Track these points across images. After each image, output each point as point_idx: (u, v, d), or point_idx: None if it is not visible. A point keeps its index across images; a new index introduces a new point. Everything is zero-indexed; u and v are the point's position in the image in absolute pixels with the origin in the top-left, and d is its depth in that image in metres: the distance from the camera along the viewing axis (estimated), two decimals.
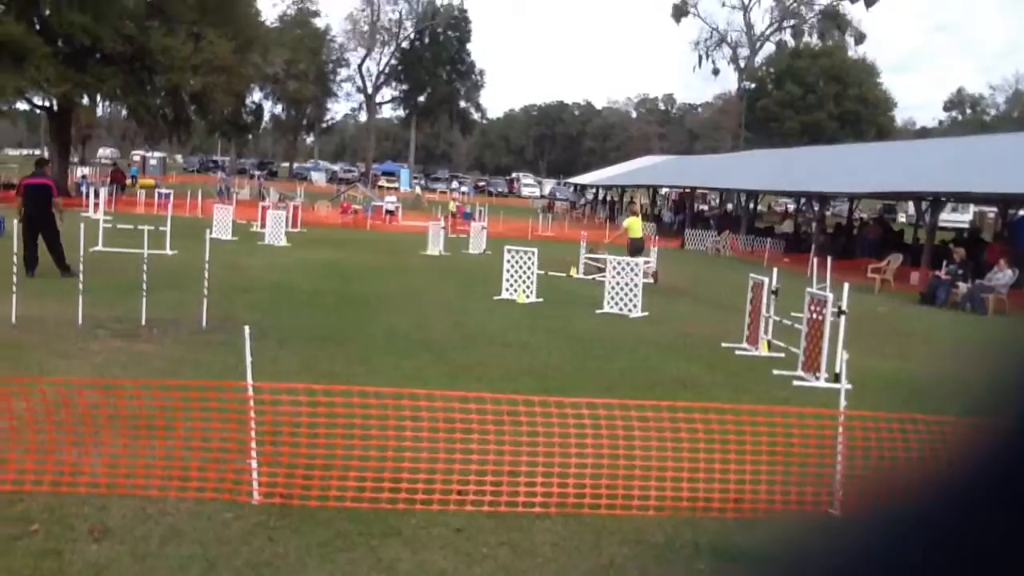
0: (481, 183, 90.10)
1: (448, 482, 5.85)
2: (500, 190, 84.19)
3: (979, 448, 0.63)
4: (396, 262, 22.21)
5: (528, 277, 16.23)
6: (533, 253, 16.40)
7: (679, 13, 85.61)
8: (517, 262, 16.33)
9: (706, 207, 54.80)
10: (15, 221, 13.29)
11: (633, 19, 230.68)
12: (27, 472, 5.61)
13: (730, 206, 47.35)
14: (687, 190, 47.57)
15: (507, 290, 16.27)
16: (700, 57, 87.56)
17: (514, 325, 13.47)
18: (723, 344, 12.66)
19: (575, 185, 72.98)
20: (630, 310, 15.19)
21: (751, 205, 41.83)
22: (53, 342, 10.07)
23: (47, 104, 39.80)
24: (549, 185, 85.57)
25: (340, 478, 5.67)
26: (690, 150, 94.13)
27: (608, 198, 59.62)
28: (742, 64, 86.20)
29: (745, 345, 12.52)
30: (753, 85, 77.62)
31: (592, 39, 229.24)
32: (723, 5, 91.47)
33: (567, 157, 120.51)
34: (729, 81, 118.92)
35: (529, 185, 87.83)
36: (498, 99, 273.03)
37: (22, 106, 42.25)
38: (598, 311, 15.28)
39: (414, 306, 14.80)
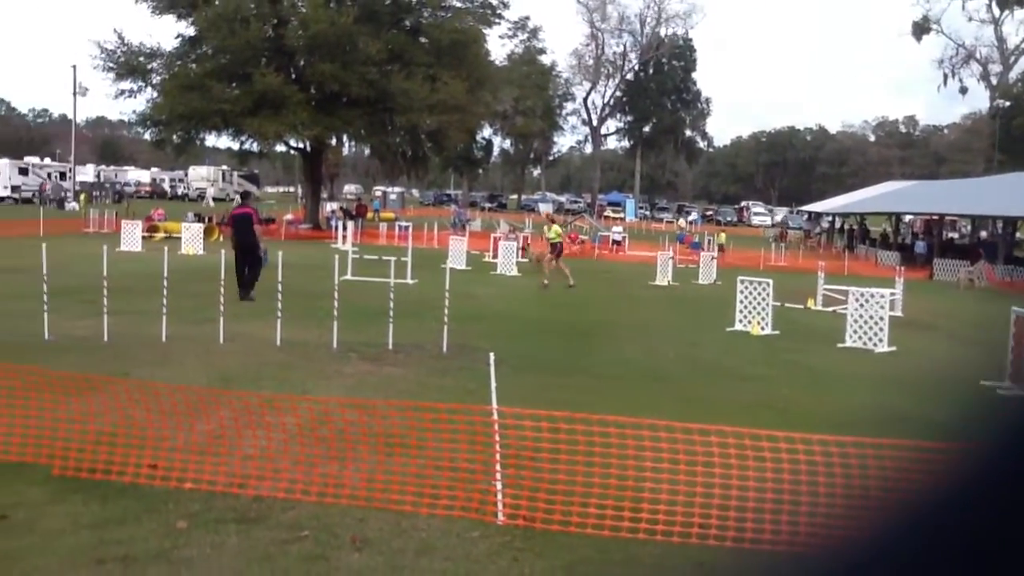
0: (709, 212, 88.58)
1: (689, 515, 5.76)
2: (729, 219, 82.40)
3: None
4: (624, 292, 22.25)
5: (763, 308, 15.75)
6: (768, 284, 15.91)
7: (920, 31, 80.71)
8: (751, 293, 15.90)
9: (955, 235, 50.99)
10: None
11: (868, 39, 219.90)
12: (297, 482, 6.08)
13: (984, 233, 43.78)
14: (934, 217, 44.49)
15: (740, 321, 15.87)
16: (945, 76, 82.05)
17: (749, 358, 13.11)
18: (982, 382, 11.69)
19: (809, 213, 70.24)
20: (875, 344, 14.36)
21: (1010, 232, 38.48)
22: (312, 363, 10.89)
23: (301, 146, 43.37)
24: (780, 213, 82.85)
25: (581, 504, 5.73)
26: (935, 174, 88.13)
27: (846, 226, 56.86)
28: (994, 81, 79.88)
29: (1008, 383, 11.49)
30: (1007, 103, 71.59)
31: (824, 62, 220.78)
32: (970, 20, 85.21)
33: (799, 184, 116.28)
34: (979, 99, 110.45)
35: (759, 213, 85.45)
36: (725, 126, 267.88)
37: (280, 148, 46.15)
38: (839, 345, 14.57)
39: (644, 336, 14.75)
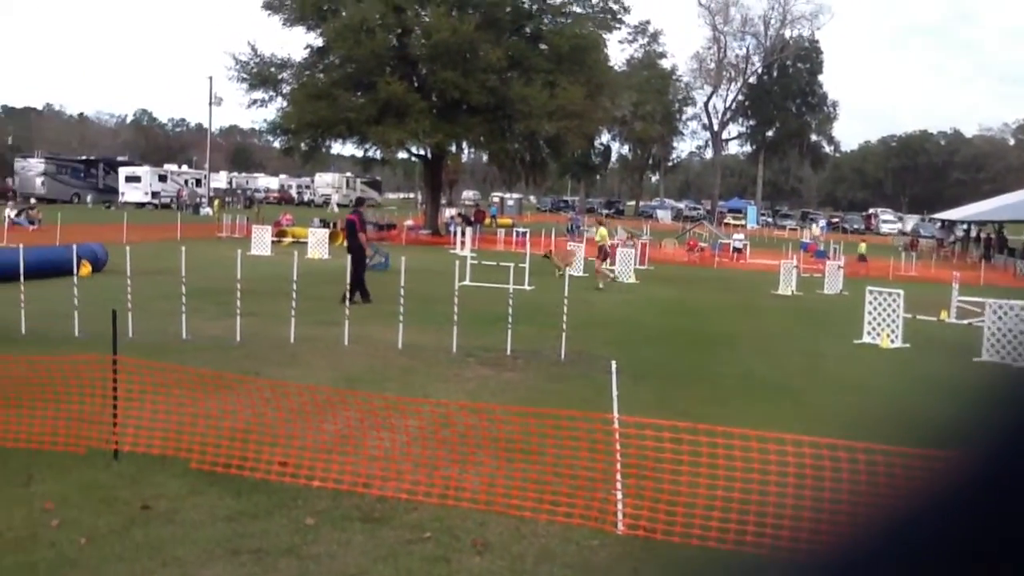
0: (835, 219, 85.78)
1: (816, 531, 5.58)
2: (856, 227, 79.61)
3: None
4: (746, 301, 21.78)
5: (893, 320, 15.15)
6: (898, 295, 15.30)
7: None
8: (880, 304, 15.31)
9: None
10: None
11: (1007, 38, 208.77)
12: (419, 484, 6.20)
13: None
14: None
15: (869, 333, 15.30)
16: None
17: (878, 371, 12.64)
18: None
19: (942, 221, 67.15)
20: (1014, 359, 13.62)
21: None
22: (432, 367, 11.09)
23: (422, 152, 44.21)
24: (911, 221, 79.56)
25: (703, 517, 5.64)
26: None
27: (982, 235, 54.11)
28: None
29: None
30: None
31: (959, 63, 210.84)
32: None
33: (931, 190, 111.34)
34: None
35: (888, 221, 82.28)
36: (852, 131, 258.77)
37: (402, 155, 47.18)
38: (975, 359, 13.88)
39: (767, 347, 14.40)
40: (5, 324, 12.28)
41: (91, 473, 6.44)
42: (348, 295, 16.45)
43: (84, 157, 69.40)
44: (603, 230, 24.68)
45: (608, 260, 24.34)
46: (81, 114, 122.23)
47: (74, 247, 15.31)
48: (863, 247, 38.80)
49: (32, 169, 61.15)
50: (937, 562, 0.66)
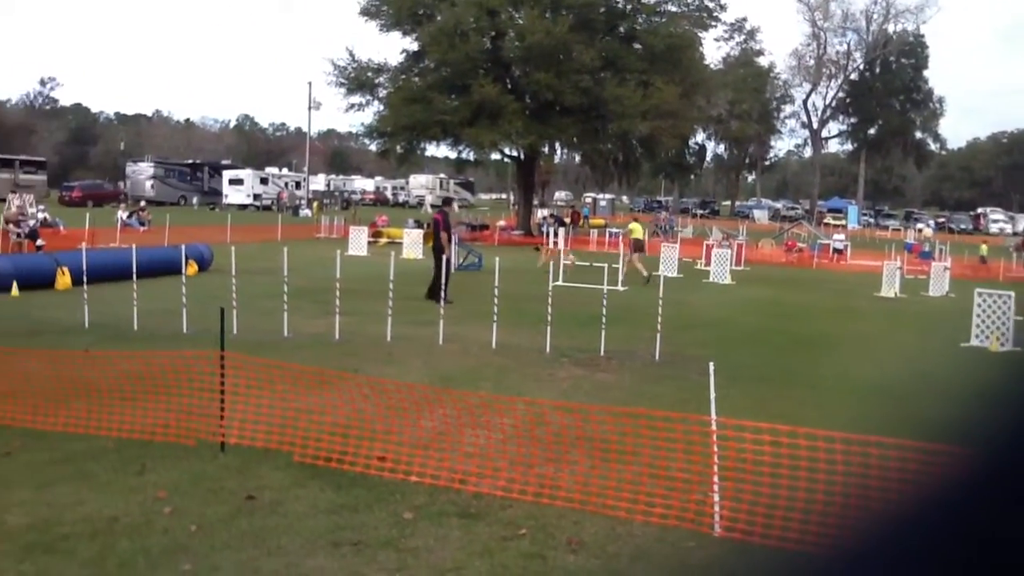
0: (941, 219, 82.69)
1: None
2: (963, 227, 76.59)
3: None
4: (846, 303, 21.21)
5: (1004, 323, 14.54)
6: (1009, 296, 14.68)
7: None
8: (990, 306, 14.72)
9: None
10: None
11: None
12: (514, 482, 6.25)
13: None
14: None
15: (977, 337, 14.73)
16: None
17: (985, 375, 12.12)
18: None
19: None
20: None
21: None
22: (525, 367, 11.14)
23: (515, 154, 44.42)
24: (1023, 221, 76.08)
25: (802, 521, 5.52)
26: None
27: None
28: None
29: None
30: None
31: None
32: None
33: None
34: None
35: (998, 221, 78.89)
36: (960, 127, 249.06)
37: (495, 156, 47.50)
38: None
39: (869, 350, 14.01)
40: (119, 321, 12.86)
41: (200, 464, 6.69)
42: (436, 292, 16.69)
43: (190, 161, 72.08)
44: (636, 225, 26.58)
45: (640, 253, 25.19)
46: (187, 120, 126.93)
47: (182, 247, 15.93)
48: (984, 248, 37.27)
49: (142, 173, 63.80)
50: None
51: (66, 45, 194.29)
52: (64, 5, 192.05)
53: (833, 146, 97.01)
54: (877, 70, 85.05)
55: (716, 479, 5.88)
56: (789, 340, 14.68)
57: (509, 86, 40.03)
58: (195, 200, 63.23)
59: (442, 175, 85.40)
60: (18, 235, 22.83)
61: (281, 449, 6.89)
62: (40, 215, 28.55)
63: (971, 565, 0.69)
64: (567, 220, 46.22)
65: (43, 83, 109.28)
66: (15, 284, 15.97)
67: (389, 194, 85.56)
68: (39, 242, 22.45)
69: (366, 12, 41.19)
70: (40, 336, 11.79)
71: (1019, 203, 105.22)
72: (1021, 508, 0.68)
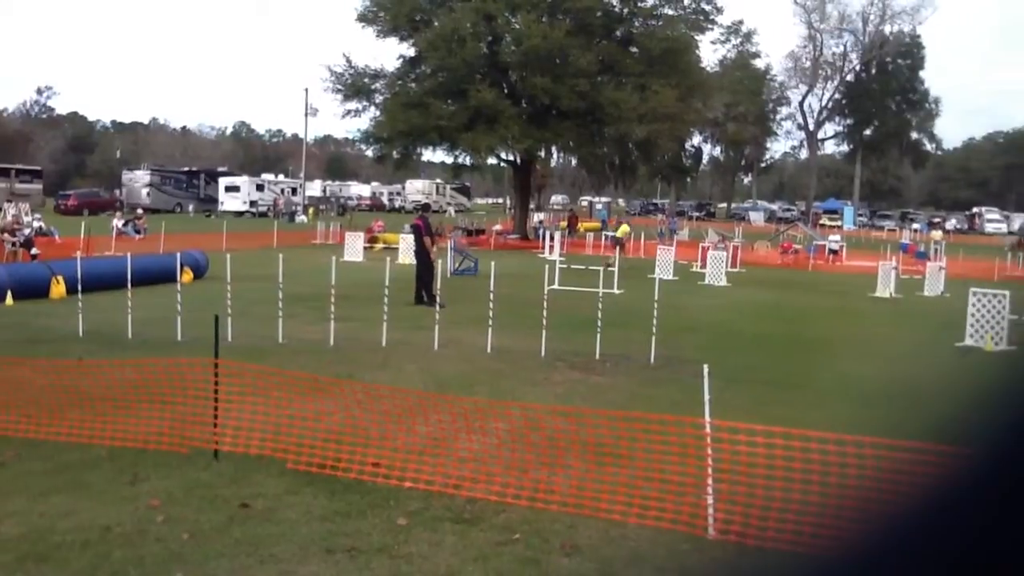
0: (936, 219, 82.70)
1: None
2: (956, 227, 76.61)
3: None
4: (842, 304, 21.22)
5: (998, 322, 14.56)
6: (1004, 295, 14.69)
7: None
8: (984, 306, 14.73)
9: None
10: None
11: None
12: (509, 486, 6.24)
13: None
14: None
15: (971, 336, 14.74)
16: None
17: (979, 374, 12.14)
18: None
19: None
20: None
21: None
22: (521, 371, 11.13)
23: (511, 158, 44.43)
24: (1019, 220, 76.13)
25: (796, 523, 5.51)
26: None
27: None
28: None
29: None
30: None
31: None
32: None
33: None
34: None
35: (994, 220, 78.96)
36: (956, 128, 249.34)
37: (491, 160, 47.53)
38: None
39: (864, 351, 14.02)
40: (114, 329, 12.84)
41: (193, 472, 6.68)
42: (420, 297, 16.71)
43: (186, 168, 72.06)
44: (625, 227, 32.02)
45: (620, 252, 27.59)
46: (184, 127, 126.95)
47: (177, 255, 15.93)
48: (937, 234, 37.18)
49: (138, 180, 63.77)
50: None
51: (63, 54, 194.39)
52: (61, 14, 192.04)
53: (829, 147, 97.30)
54: (873, 71, 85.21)
55: (711, 481, 5.87)
56: (786, 342, 14.68)
57: (506, 91, 40.06)
58: (191, 207, 63.16)
59: (439, 180, 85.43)
60: (13, 244, 22.83)
61: (275, 456, 6.87)
62: (36, 224, 28.54)
63: (965, 565, 0.69)
64: (563, 224, 46.16)
65: (40, 92, 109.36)
66: (9, 293, 15.94)
67: (385, 200, 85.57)
68: (34, 251, 22.43)
69: (363, 18, 41.24)
70: (34, 345, 11.77)
71: (1015, 203, 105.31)
72: (1017, 508, 0.68)
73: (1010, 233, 66.28)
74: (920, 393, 10.75)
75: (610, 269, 23.86)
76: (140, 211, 42.95)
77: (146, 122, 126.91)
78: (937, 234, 49.90)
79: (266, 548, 5.33)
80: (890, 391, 10.81)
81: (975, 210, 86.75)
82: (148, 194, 62.08)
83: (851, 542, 0.82)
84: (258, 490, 6.33)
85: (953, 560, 0.68)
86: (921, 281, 25.18)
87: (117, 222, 34.85)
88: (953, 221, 78.39)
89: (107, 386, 8.27)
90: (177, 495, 6.20)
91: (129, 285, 13.42)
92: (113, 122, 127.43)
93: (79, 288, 13.65)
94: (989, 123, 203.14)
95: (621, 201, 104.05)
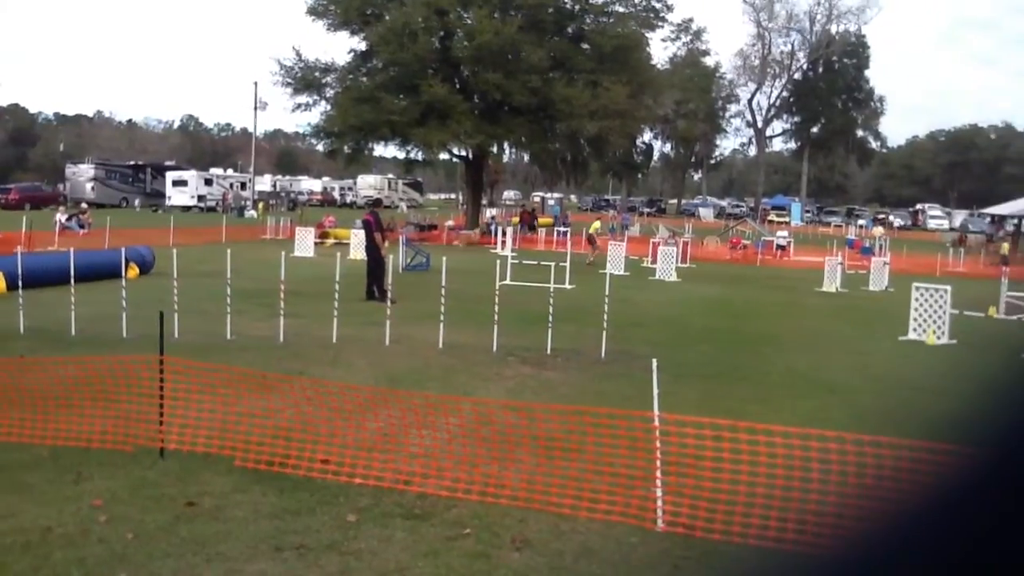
0: (881, 216, 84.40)
1: (856, 529, 5.52)
2: (901, 223, 78.25)
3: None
4: (789, 299, 21.56)
5: (940, 317, 14.90)
6: (945, 290, 15.04)
7: None
8: (926, 300, 15.07)
9: None
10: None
11: None
12: (459, 481, 6.24)
13: None
14: None
15: (915, 330, 15.07)
16: None
17: (925, 368, 12.43)
18: None
19: (992, 216, 65.65)
20: None
21: None
22: (472, 366, 11.13)
23: (464, 154, 44.34)
24: (960, 216, 77.94)
25: (743, 514, 5.60)
26: None
27: None
28: None
29: None
30: None
31: (1012, 56, 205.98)
32: None
33: (983, 186, 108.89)
34: None
35: (936, 217, 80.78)
36: (900, 126, 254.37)
37: (444, 156, 47.34)
38: None
39: (811, 345, 14.24)
40: (57, 326, 12.56)
41: (138, 471, 6.57)
42: (371, 293, 16.69)
43: (132, 162, 70.72)
44: (597, 223, 34.08)
45: (594, 249, 29.36)
46: (130, 120, 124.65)
47: (122, 250, 15.63)
48: (1005, 247, 35.92)
49: (82, 175, 62.47)
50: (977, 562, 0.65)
51: (2, 43, 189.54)
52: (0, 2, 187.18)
53: (777, 144, 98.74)
54: (820, 70, 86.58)
55: (659, 474, 5.93)
56: (735, 336, 14.86)
57: (458, 86, 39.93)
58: (137, 202, 62.06)
59: (390, 175, 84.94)
60: None
61: (222, 454, 6.79)
62: None
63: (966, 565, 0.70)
64: (516, 220, 46.16)
65: None
66: None
67: (337, 195, 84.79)
68: None
69: (313, 11, 40.77)
70: None
71: (957, 200, 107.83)
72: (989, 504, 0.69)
73: (951, 229, 67.85)
74: (863, 386, 10.98)
75: (590, 265, 24.33)
76: (84, 206, 42.03)
77: (91, 115, 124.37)
78: (879, 230, 50.73)
79: (213, 547, 5.26)
80: (835, 384, 11.01)
81: (918, 207, 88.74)
82: (93, 188, 60.85)
83: (836, 539, 0.83)
84: (205, 488, 6.24)
85: (954, 560, 0.69)
86: (866, 276, 25.66)
87: (60, 217, 34.10)
88: (897, 218, 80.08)
89: (49, 384, 8.10)
90: (122, 495, 6.09)
91: (72, 281, 13.14)
92: (56, 114, 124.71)
93: (19, 284, 13.35)
94: (932, 122, 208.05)
95: (573, 197, 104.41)
